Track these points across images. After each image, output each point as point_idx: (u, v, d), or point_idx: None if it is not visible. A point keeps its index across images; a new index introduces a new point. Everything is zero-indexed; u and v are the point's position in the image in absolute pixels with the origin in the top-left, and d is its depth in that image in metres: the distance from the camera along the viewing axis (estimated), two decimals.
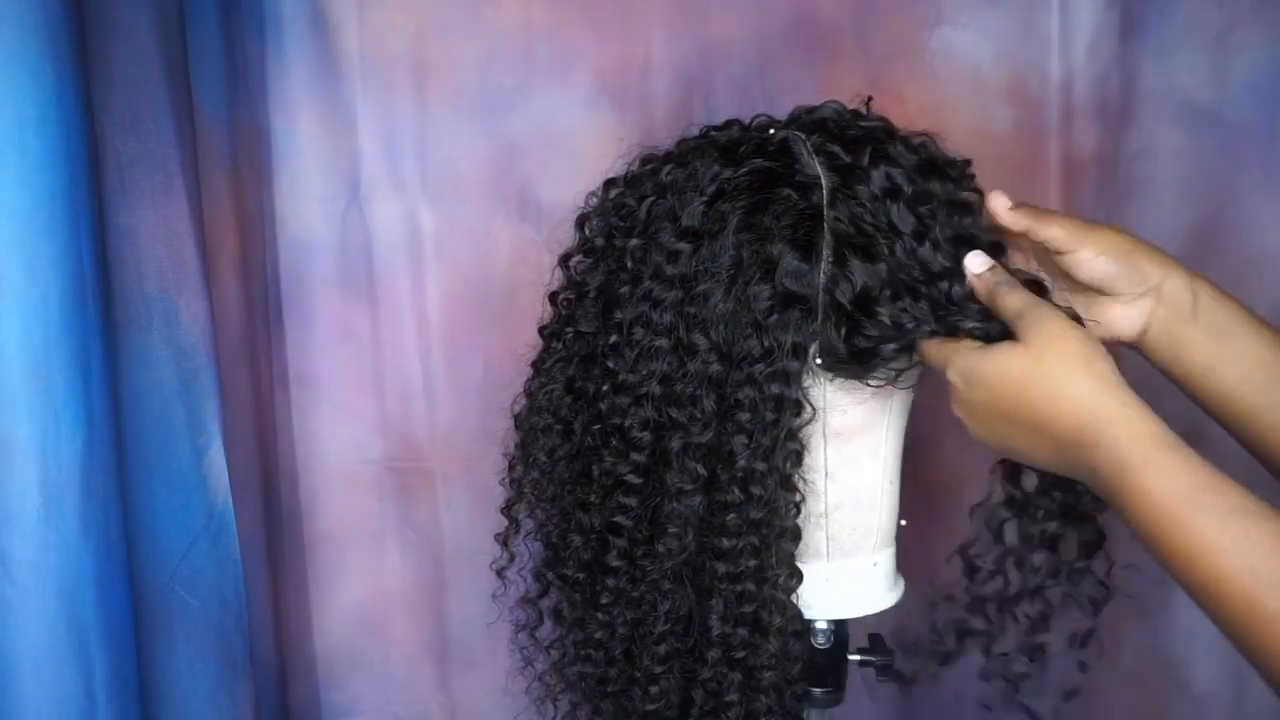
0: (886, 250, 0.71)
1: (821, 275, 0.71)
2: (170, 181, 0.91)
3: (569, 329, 0.81)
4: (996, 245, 0.75)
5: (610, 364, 0.76)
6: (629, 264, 0.75)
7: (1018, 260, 0.79)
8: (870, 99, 0.80)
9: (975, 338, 0.70)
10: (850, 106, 0.79)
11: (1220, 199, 1.14)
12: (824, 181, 0.72)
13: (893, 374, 0.74)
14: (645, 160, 0.79)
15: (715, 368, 0.73)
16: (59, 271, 0.76)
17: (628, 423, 0.75)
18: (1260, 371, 0.74)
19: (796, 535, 0.77)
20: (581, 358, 0.80)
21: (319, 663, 1.29)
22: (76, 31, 0.78)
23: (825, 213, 0.72)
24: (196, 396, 0.94)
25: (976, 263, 0.72)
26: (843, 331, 0.72)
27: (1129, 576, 0.84)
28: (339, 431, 1.24)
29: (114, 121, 0.86)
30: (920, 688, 0.93)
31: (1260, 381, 0.74)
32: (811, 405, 0.74)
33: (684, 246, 0.73)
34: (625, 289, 0.75)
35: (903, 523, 0.84)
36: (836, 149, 0.73)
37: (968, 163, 0.79)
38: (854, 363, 0.73)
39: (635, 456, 0.76)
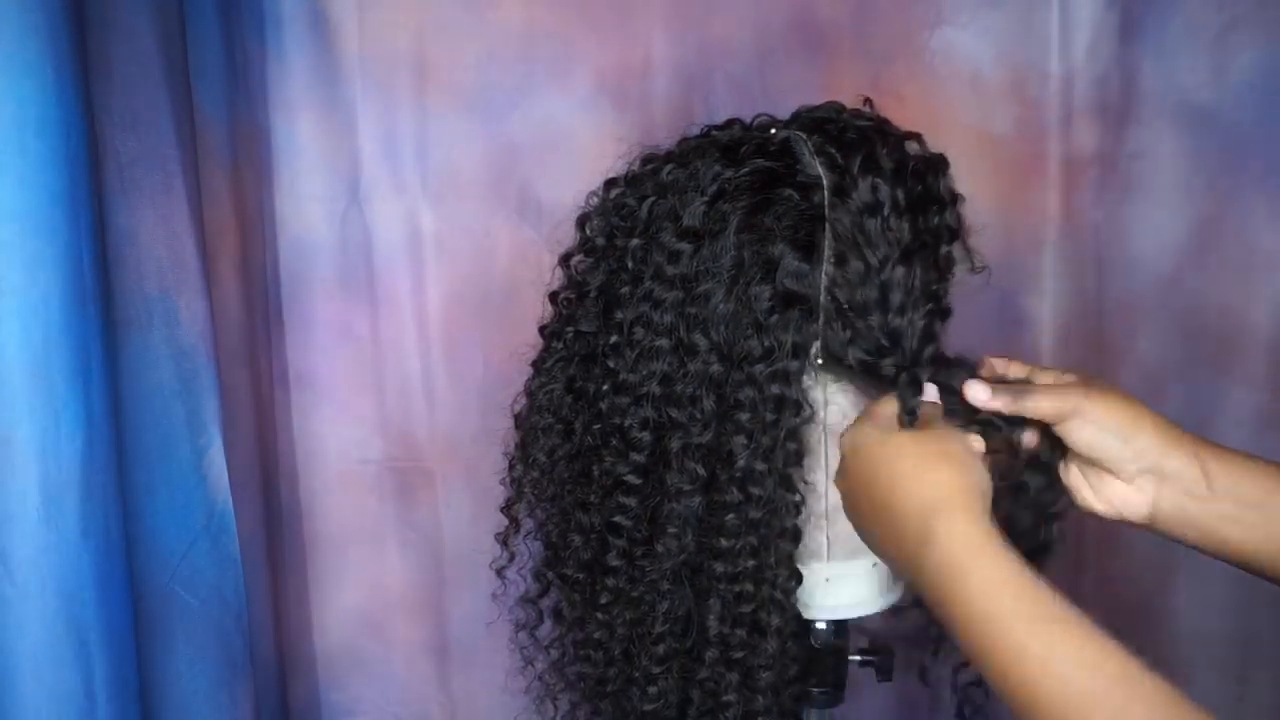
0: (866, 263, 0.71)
1: (823, 276, 0.71)
2: (170, 181, 0.91)
3: (569, 329, 0.81)
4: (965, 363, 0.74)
5: (611, 364, 0.76)
6: (630, 264, 0.75)
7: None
8: (869, 100, 0.80)
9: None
10: (850, 106, 0.79)
11: (1220, 199, 1.14)
12: (825, 181, 0.72)
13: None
14: (646, 160, 0.79)
15: (715, 368, 0.73)
16: (59, 271, 0.76)
17: (628, 422, 0.75)
18: None
19: (796, 535, 0.77)
20: (582, 357, 0.80)
21: (319, 663, 1.29)
22: (76, 32, 0.78)
23: (827, 213, 0.72)
24: (196, 396, 0.94)
25: (929, 390, 0.71)
26: (846, 333, 0.72)
27: (1130, 576, 0.84)
28: (339, 431, 1.24)
29: (114, 121, 0.86)
30: (916, 684, 0.93)
31: None
32: (811, 405, 0.74)
33: (685, 246, 0.72)
34: (626, 289, 0.75)
35: None
36: (834, 151, 0.73)
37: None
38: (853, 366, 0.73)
39: (635, 456, 0.76)
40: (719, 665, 0.77)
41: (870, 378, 0.74)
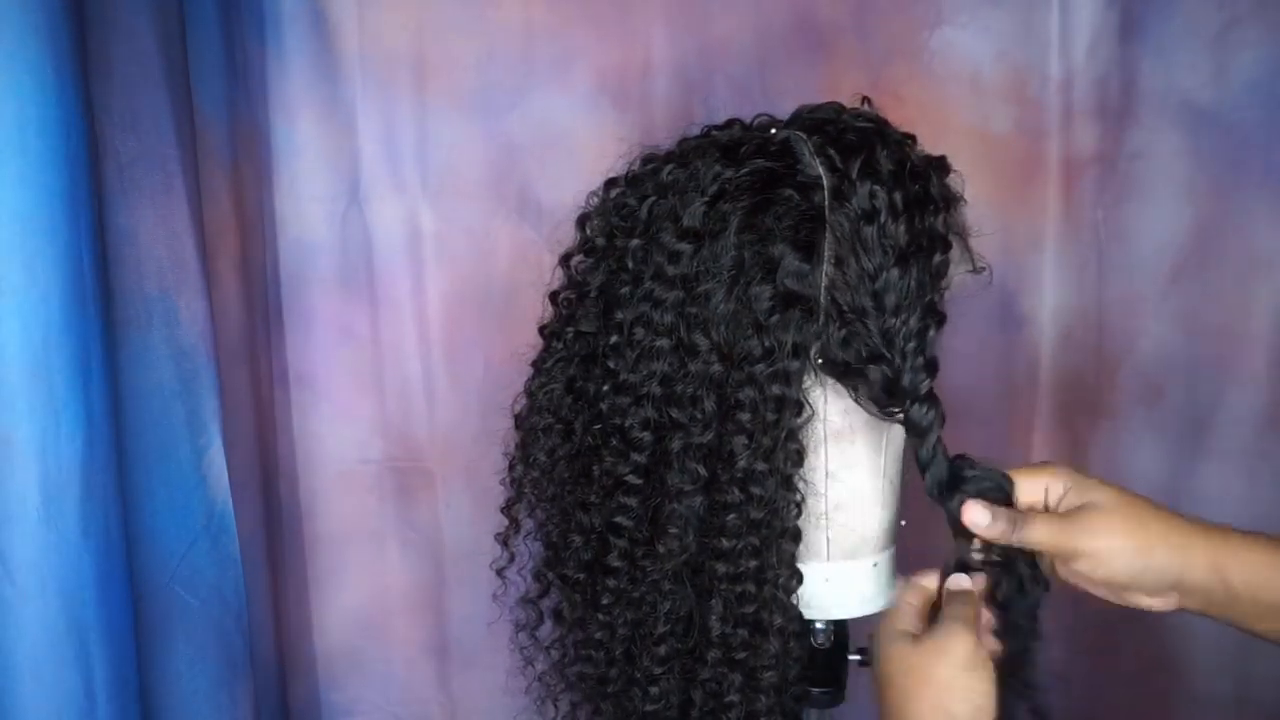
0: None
1: (823, 276, 0.71)
2: (170, 181, 0.91)
3: (570, 329, 0.81)
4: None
5: (611, 364, 0.76)
6: (630, 264, 0.75)
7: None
8: (867, 99, 0.80)
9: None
10: (850, 106, 0.79)
11: (1220, 199, 1.14)
12: (826, 182, 0.72)
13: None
14: (646, 160, 0.79)
15: (716, 368, 0.73)
16: (59, 271, 0.76)
17: (628, 423, 0.75)
18: None
19: (797, 536, 0.77)
20: (582, 357, 0.80)
21: (319, 663, 1.29)
22: (76, 31, 0.78)
23: (827, 214, 0.72)
24: (196, 396, 0.94)
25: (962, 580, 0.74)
26: (842, 333, 0.72)
27: None
28: (339, 431, 1.24)
29: (114, 121, 0.86)
30: None
31: None
32: (812, 405, 0.74)
33: (685, 247, 0.72)
34: (626, 289, 0.75)
35: (903, 523, 0.83)
36: (834, 153, 0.73)
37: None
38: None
39: (636, 457, 0.76)
40: (721, 666, 0.77)
41: (859, 379, 0.74)
